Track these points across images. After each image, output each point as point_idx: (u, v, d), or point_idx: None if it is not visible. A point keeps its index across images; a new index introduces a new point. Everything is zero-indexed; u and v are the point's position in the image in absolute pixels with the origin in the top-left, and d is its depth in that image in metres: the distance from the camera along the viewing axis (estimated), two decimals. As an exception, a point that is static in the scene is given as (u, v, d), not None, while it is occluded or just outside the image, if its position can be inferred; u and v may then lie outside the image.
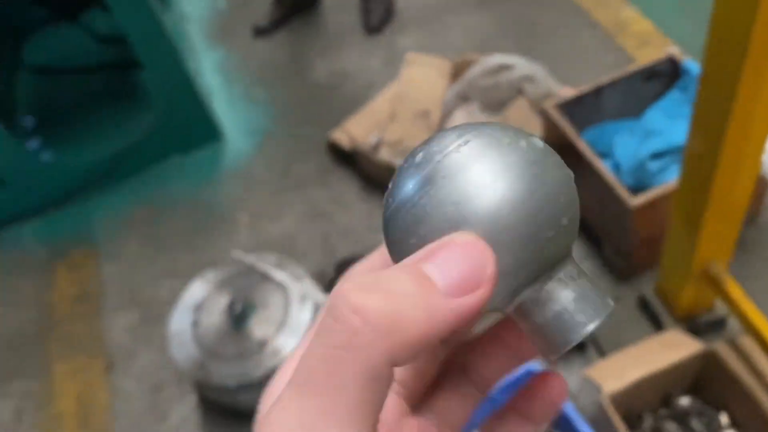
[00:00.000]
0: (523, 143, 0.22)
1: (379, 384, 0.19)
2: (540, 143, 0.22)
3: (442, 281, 0.19)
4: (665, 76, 1.47)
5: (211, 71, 2.17)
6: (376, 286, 0.19)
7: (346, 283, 0.19)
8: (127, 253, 1.76)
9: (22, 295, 1.74)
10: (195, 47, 2.26)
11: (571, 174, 0.22)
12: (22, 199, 1.85)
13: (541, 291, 0.21)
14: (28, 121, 2.02)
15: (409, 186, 0.21)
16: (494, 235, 0.20)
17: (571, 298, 0.21)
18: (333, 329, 0.19)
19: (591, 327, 0.21)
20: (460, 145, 0.21)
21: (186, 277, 1.49)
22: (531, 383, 0.25)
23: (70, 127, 1.99)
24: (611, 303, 0.22)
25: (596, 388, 1.12)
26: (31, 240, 1.85)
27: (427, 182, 0.21)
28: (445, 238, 0.20)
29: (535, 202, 0.20)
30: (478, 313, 0.20)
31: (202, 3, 2.41)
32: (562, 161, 0.23)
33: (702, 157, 1.01)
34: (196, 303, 1.31)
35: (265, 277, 1.33)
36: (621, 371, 1.14)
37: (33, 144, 1.95)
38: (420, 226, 0.21)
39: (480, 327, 0.25)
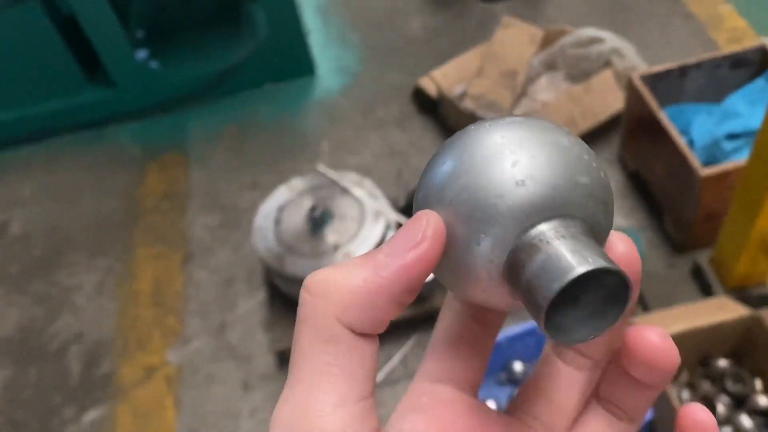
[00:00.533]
0: (496, 119, 0.23)
1: (338, 347, 0.20)
2: (518, 118, 0.23)
3: (386, 249, 0.21)
4: (753, 65, 1.51)
5: (311, 12, 2.29)
6: (330, 267, 0.22)
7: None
8: (215, 162, 1.89)
9: (114, 186, 1.90)
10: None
11: (558, 141, 0.22)
12: (127, 101, 2.01)
13: (522, 249, 0.21)
14: (140, 34, 2.18)
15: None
16: (447, 206, 0.22)
17: (555, 252, 0.21)
18: (297, 312, 0.22)
19: (576, 273, 0.20)
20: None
21: (266, 190, 1.62)
22: (681, 420, 0.25)
23: (177, 44, 2.14)
24: (608, 264, 0.20)
25: (639, 334, 1.19)
26: (129, 139, 2.02)
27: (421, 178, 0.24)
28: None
29: (471, 166, 0.22)
30: (425, 268, 0.21)
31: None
32: (546, 127, 0.23)
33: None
34: (281, 204, 1.43)
35: (345, 192, 1.44)
36: (665, 323, 1.21)
37: (142, 53, 2.10)
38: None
39: (486, 299, 0.24)
